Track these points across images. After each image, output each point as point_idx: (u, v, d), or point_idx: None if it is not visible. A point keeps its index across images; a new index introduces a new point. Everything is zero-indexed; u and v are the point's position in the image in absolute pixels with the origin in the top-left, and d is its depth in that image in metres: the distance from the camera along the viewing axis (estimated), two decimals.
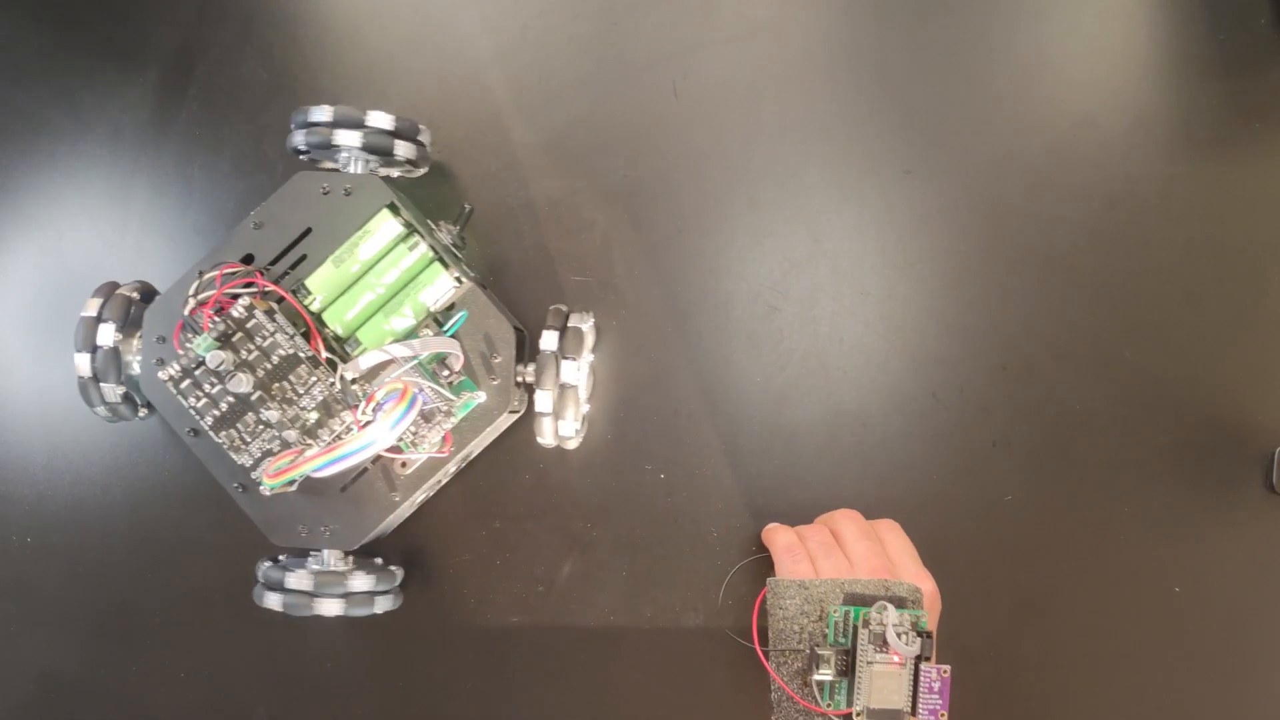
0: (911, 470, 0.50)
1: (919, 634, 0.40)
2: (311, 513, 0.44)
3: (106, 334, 0.43)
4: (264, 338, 0.42)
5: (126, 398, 0.45)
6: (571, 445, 0.46)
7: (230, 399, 0.42)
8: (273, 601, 0.43)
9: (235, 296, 0.42)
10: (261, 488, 0.42)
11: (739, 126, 0.52)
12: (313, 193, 0.44)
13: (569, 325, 0.44)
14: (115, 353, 0.43)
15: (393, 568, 0.46)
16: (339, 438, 0.42)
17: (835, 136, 0.52)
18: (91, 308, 0.43)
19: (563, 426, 0.44)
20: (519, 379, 0.45)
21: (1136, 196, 0.51)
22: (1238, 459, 0.50)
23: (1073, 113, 0.52)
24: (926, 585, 0.43)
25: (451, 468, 0.46)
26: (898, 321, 0.51)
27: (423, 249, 0.43)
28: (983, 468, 0.50)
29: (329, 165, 0.48)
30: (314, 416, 0.42)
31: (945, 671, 0.40)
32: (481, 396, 0.44)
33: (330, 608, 0.43)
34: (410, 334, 0.44)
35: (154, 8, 0.53)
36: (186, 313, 0.43)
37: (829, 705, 0.41)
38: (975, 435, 0.50)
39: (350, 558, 0.45)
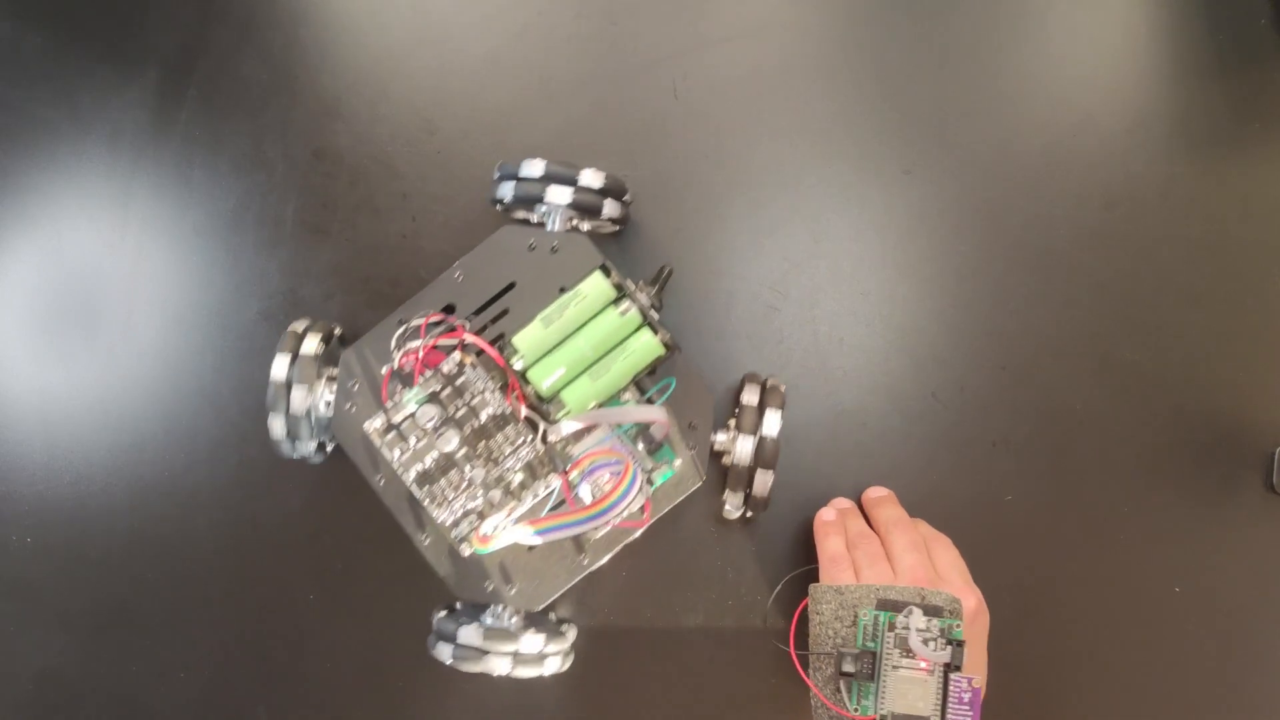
0: (911, 470, 0.50)
1: (949, 642, 0.40)
2: (497, 571, 0.44)
3: (299, 399, 0.43)
4: (474, 394, 0.41)
5: (319, 446, 0.45)
6: (757, 506, 0.46)
7: (435, 455, 0.41)
8: (443, 654, 0.43)
9: (441, 349, 0.42)
10: (464, 548, 0.42)
11: (739, 126, 0.52)
12: (518, 248, 0.44)
13: (768, 386, 0.45)
14: (308, 416, 0.43)
15: (564, 628, 0.46)
16: (550, 502, 0.42)
17: (835, 136, 0.52)
18: (280, 370, 0.43)
19: (759, 482, 0.44)
20: (713, 443, 0.45)
21: (1136, 196, 0.51)
22: (1238, 459, 0.50)
23: (1073, 112, 0.52)
24: (970, 600, 0.43)
25: (638, 533, 0.45)
26: (898, 321, 0.51)
27: (633, 313, 0.42)
28: (983, 468, 0.50)
29: (521, 215, 0.47)
30: (519, 477, 0.41)
31: (976, 683, 0.39)
32: (677, 466, 0.44)
33: (500, 666, 0.42)
34: (614, 399, 0.43)
35: (154, 8, 0.53)
36: (396, 362, 0.42)
37: (856, 710, 0.41)
38: (975, 435, 0.50)
39: (523, 616, 0.45)
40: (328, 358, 0.45)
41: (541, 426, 0.42)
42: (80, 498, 0.51)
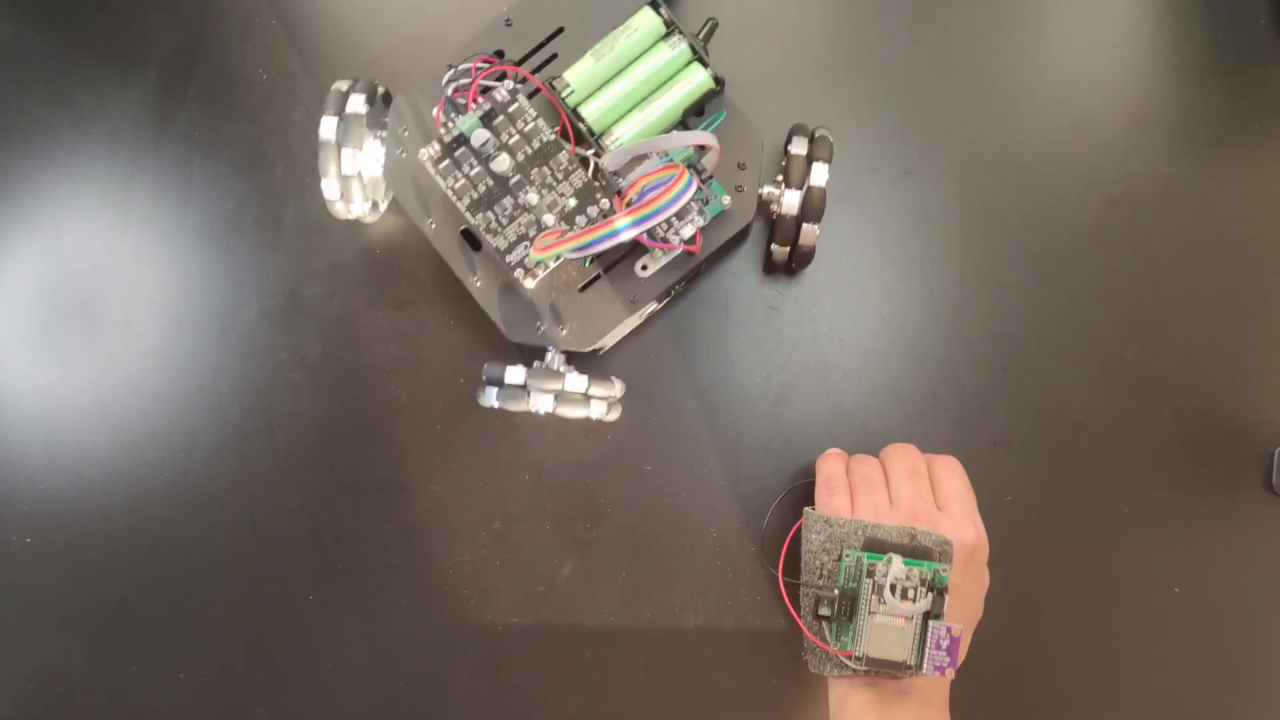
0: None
1: (930, 590, 0.40)
2: (548, 312, 0.44)
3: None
4: (526, 122, 0.42)
5: (368, 203, 0.46)
6: (802, 258, 0.47)
7: (489, 181, 0.41)
8: (489, 397, 0.43)
9: (489, 89, 0.42)
10: (519, 273, 0.42)
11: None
12: None
13: (817, 134, 0.45)
14: (359, 177, 0.43)
15: (613, 379, 0.46)
16: (592, 221, 0.42)
17: (835, 136, 0.51)
18: (329, 130, 0.43)
19: (806, 233, 0.45)
20: (760, 193, 0.45)
21: (1136, 196, 0.51)
22: (1238, 459, 0.50)
23: (1073, 112, 0.52)
24: (966, 534, 0.42)
25: (682, 279, 0.45)
26: (898, 321, 0.51)
27: (683, 46, 0.43)
28: (983, 468, 0.50)
29: None
30: (573, 202, 0.42)
31: (955, 630, 0.39)
32: (727, 202, 0.44)
33: (543, 403, 0.43)
34: (664, 131, 0.43)
35: (154, 8, 0.53)
36: (449, 93, 0.42)
37: (836, 645, 0.41)
38: (975, 435, 0.50)
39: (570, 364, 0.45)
40: (372, 119, 0.45)
41: (593, 160, 0.42)
42: (80, 498, 0.51)
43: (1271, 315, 0.51)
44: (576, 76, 0.43)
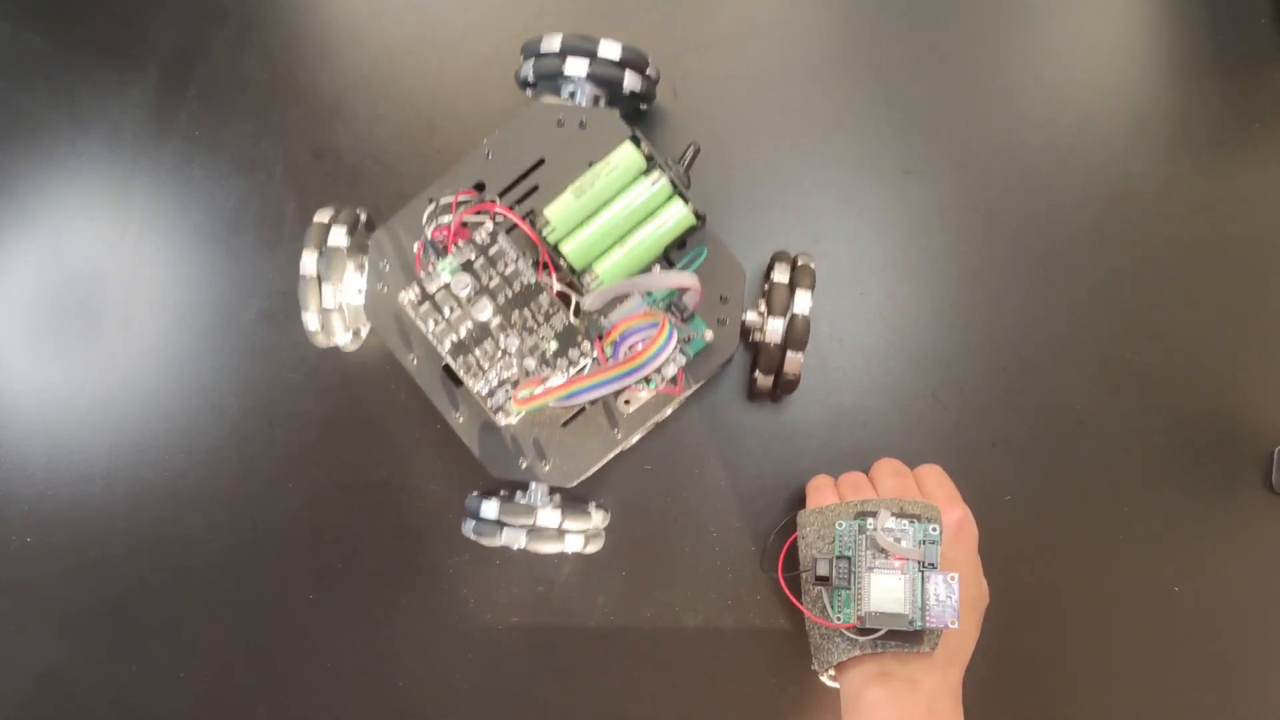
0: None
1: (924, 542, 0.41)
2: (531, 447, 0.44)
3: (330, 294, 0.43)
4: (507, 264, 0.41)
5: (349, 333, 0.46)
6: (787, 387, 0.47)
7: (469, 325, 0.41)
8: (466, 529, 0.43)
9: (469, 225, 0.42)
10: (500, 417, 0.42)
11: (739, 126, 0.52)
12: (547, 124, 0.44)
13: (799, 264, 0.45)
14: (340, 311, 0.43)
15: (593, 509, 0.46)
16: (580, 368, 0.42)
17: (835, 136, 0.52)
18: (309, 266, 0.43)
19: (790, 362, 0.45)
20: (744, 320, 0.45)
21: (1136, 196, 0.51)
22: (1238, 459, 0.50)
23: (1073, 112, 0.52)
24: (953, 513, 0.44)
25: (668, 410, 0.45)
26: (898, 321, 0.51)
27: (663, 182, 0.42)
28: (983, 468, 0.50)
29: (550, 99, 0.47)
30: (554, 345, 0.42)
31: (952, 579, 0.40)
32: (709, 337, 0.44)
33: (515, 539, 0.43)
34: (645, 269, 0.43)
35: (154, 8, 0.53)
36: (429, 234, 0.42)
37: (839, 619, 0.41)
38: (975, 435, 0.50)
39: (557, 497, 0.45)
40: (354, 246, 0.44)
41: (574, 299, 0.42)
42: (80, 498, 0.51)
43: (1271, 315, 0.51)
44: (557, 213, 0.42)
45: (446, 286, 0.41)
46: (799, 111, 0.52)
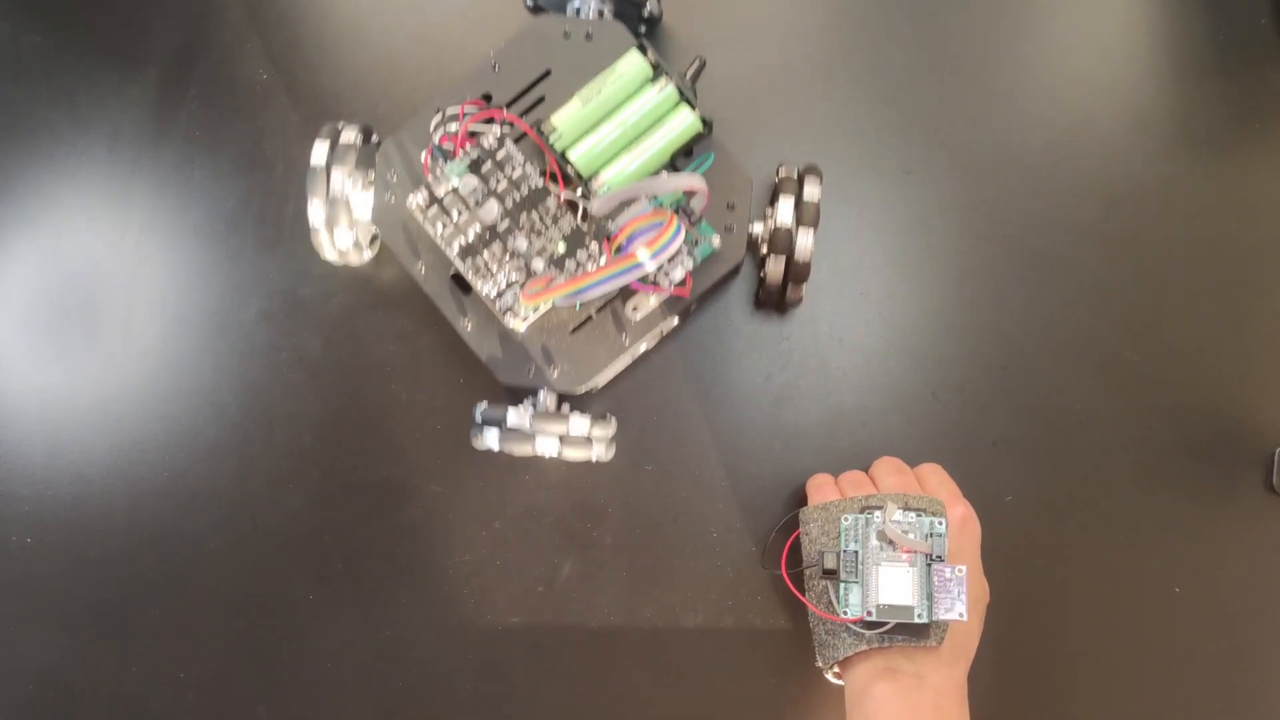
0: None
1: (930, 535, 0.41)
2: (539, 354, 0.44)
3: (339, 181, 0.43)
4: (514, 168, 0.42)
5: (355, 243, 0.46)
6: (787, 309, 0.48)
7: (477, 228, 0.42)
8: (489, 440, 0.44)
9: (477, 134, 0.42)
10: (508, 319, 0.42)
11: (739, 126, 0.51)
12: (553, 36, 0.44)
13: (804, 195, 0.45)
14: (346, 202, 0.44)
15: (607, 415, 0.46)
16: (585, 269, 0.42)
17: (835, 136, 0.52)
18: (319, 155, 0.43)
19: (792, 292, 0.46)
20: (750, 233, 0.45)
21: (1136, 196, 0.51)
22: (1238, 459, 0.50)
23: (1073, 112, 0.52)
24: (956, 508, 0.44)
25: (674, 320, 0.46)
26: (898, 321, 0.51)
27: (670, 89, 0.43)
28: (983, 468, 0.50)
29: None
30: (562, 247, 0.42)
31: (961, 571, 0.40)
32: (716, 243, 0.44)
33: (548, 446, 0.43)
34: (652, 174, 0.43)
35: (154, 8, 0.53)
36: (436, 140, 0.43)
37: (845, 613, 0.42)
38: (975, 435, 0.50)
39: (565, 406, 0.45)
40: (362, 160, 0.45)
41: (581, 205, 0.42)
42: (80, 498, 0.51)
43: (1271, 315, 0.51)
44: (564, 121, 0.43)
45: (454, 190, 0.41)
46: (799, 111, 0.52)
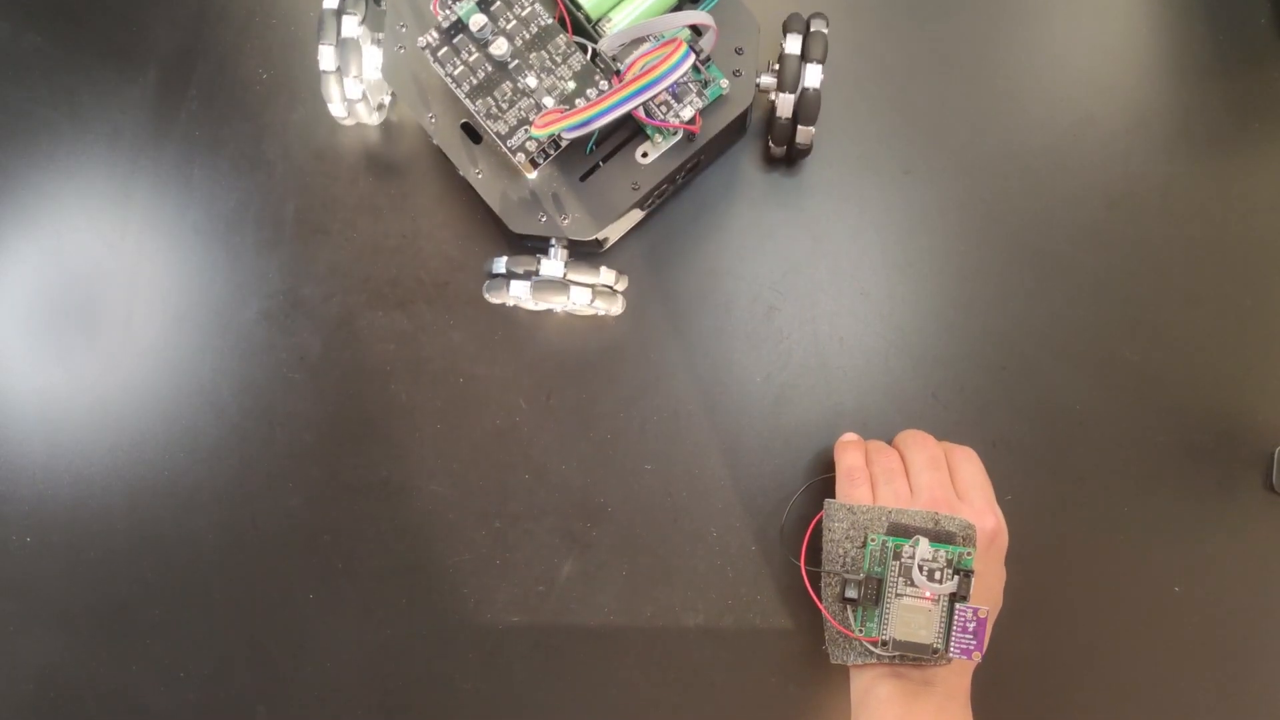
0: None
1: (957, 572, 0.40)
2: (550, 201, 0.44)
3: (350, 25, 0.43)
4: (523, 6, 0.42)
5: (364, 97, 0.46)
6: (797, 154, 0.48)
7: (488, 67, 0.42)
8: (518, 290, 0.44)
9: None
10: (519, 157, 0.42)
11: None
12: None
13: (811, 30, 0.45)
14: (357, 44, 0.44)
15: (604, 268, 0.46)
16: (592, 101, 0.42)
17: (835, 136, 0.52)
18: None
19: (801, 134, 0.46)
20: (758, 82, 0.45)
21: (1136, 196, 0.51)
22: (1238, 459, 0.50)
23: (1073, 112, 0.52)
24: (987, 522, 0.43)
25: (685, 164, 0.45)
26: (898, 321, 0.51)
27: None
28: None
29: None
30: (572, 85, 0.42)
31: (982, 613, 0.39)
32: (725, 85, 0.44)
33: (581, 296, 0.44)
34: (661, 15, 0.43)
35: (154, 8, 0.53)
36: None
37: (860, 631, 0.41)
38: (975, 435, 0.50)
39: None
40: (373, 21, 0.45)
41: (590, 46, 0.42)
42: (80, 498, 0.51)
43: (1271, 315, 0.51)
44: None
45: (464, 28, 0.41)
46: None
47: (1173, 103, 0.52)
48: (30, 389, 0.51)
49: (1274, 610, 0.50)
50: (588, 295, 0.44)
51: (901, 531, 0.41)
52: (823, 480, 0.49)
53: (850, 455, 0.47)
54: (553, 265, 0.44)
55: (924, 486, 0.44)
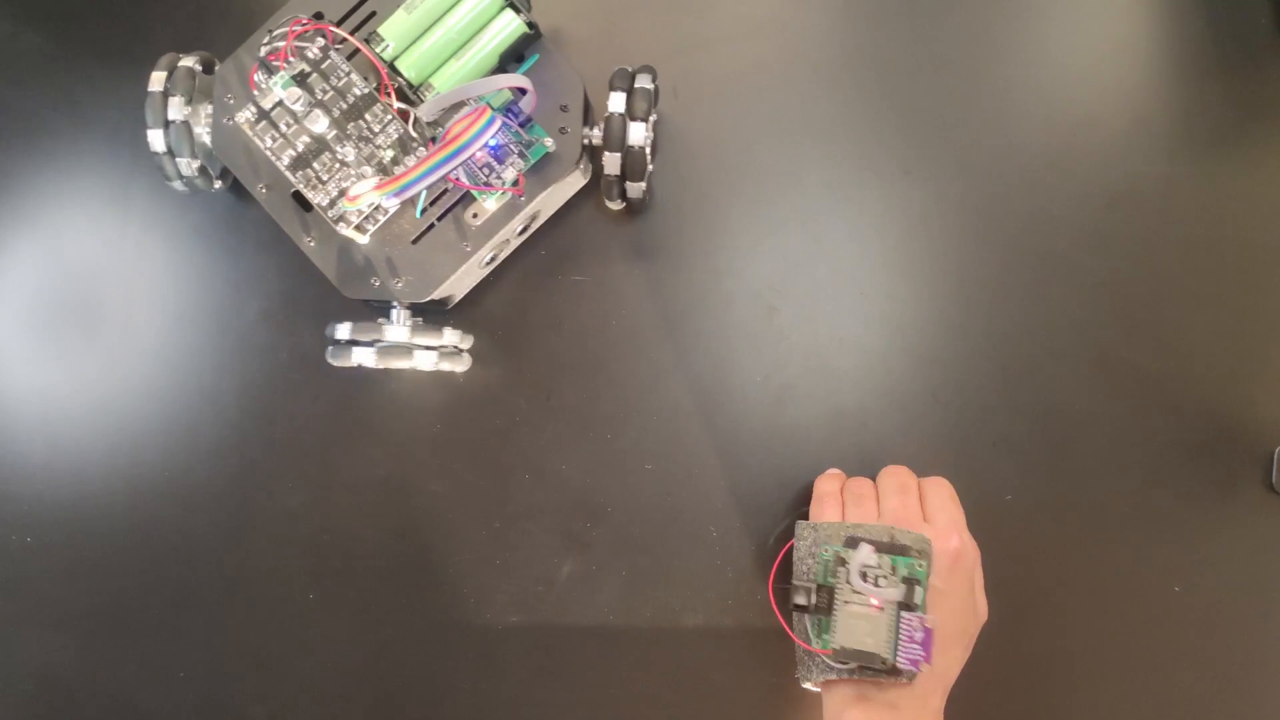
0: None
1: (904, 580, 0.40)
2: (383, 266, 0.45)
3: (176, 108, 0.44)
4: (339, 78, 0.42)
5: (202, 170, 0.46)
6: (634, 206, 0.48)
7: (306, 139, 0.42)
8: (361, 357, 0.44)
9: (303, 48, 0.43)
10: (341, 226, 0.43)
11: (739, 126, 0.52)
12: None
13: (635, 86, 0.45)
14: (186, 126, 0.44)
15: (448, 329, 0.47)
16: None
17: (835, 136, 0.52)
18: (157, 83, 0.44)
19: (631, 189, 0.45)
20: (585, 140, 0.45)
21: (1136, 196, 0.51)
22: (1238, 459, 0.50)
23: (1073, 112, 0.52)
24: (949, 542, 0.43)
25: (516, 224, 0.46)
26: (898, 321, 0.51)
27: None
28: (983, 468, 0.50)
29: None
30: (390, 154, 0.43)
31: (929, 622, 0.39)
32: (550, 144, 0.45)
33: (425, 360, 0.45)
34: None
35: (154, 8, 0.53)
36: (262, 55, 0.43)
37: (818, 644, 0.41)
38: (975, 435, 0.50)
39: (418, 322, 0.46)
40: (205, 93, 0.45)
41: (412, 113, 0.43)
42: (80, 498, 0.51)
43: (1271, 315, 0.51)
44: (391, 31, 0.44)
45: (280, 102, 0.42)
46: (799, 111, 0.52)
47: (1173, 103, 0.52)
48: (30, 389, 0.51)
49: (1274, 610, 0.50)
50: (432, 358, 0.46)
51: (855, 544, 0.42)
52: (799, 522, 0.49)
53: (826, 483, 0.47)
54: (396, 330, 0.45)
55: (891, 509, 0.44)
